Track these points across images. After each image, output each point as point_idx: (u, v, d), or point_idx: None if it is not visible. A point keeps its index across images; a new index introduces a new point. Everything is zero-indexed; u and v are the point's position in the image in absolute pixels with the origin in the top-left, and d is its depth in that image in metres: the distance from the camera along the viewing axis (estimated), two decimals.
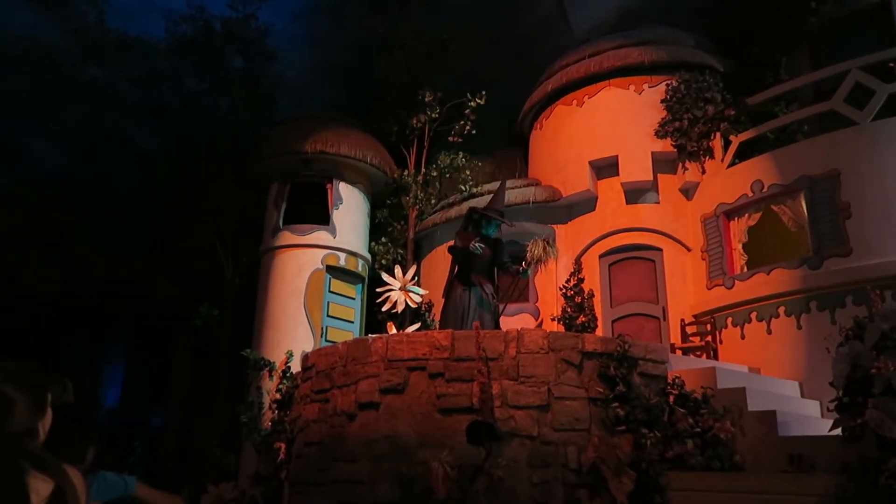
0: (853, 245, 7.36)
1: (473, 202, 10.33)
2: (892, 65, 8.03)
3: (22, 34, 11.88)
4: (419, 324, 9.00)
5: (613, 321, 9.77)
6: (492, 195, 7.86)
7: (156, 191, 12.62)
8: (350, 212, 11.49)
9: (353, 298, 11.48)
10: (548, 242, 6.93)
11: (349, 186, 11.54)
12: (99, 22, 12.44)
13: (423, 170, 11.97)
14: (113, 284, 12.62)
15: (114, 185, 13.34)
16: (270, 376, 10.08)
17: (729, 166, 9.18)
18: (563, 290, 9.99)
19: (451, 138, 11.78)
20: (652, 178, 9.86)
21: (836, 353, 4.37)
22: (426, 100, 11.77)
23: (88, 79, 12.70)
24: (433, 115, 11.87)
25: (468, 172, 11.60)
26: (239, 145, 11.75)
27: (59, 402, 1.93)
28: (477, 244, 6.67)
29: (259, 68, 12.57)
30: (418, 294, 7.93)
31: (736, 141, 9.23)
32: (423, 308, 10.14)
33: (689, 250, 9.53)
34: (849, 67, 8.11)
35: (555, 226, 10.57)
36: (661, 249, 9.74)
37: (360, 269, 11.50)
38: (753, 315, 8.19)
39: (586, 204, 10.45)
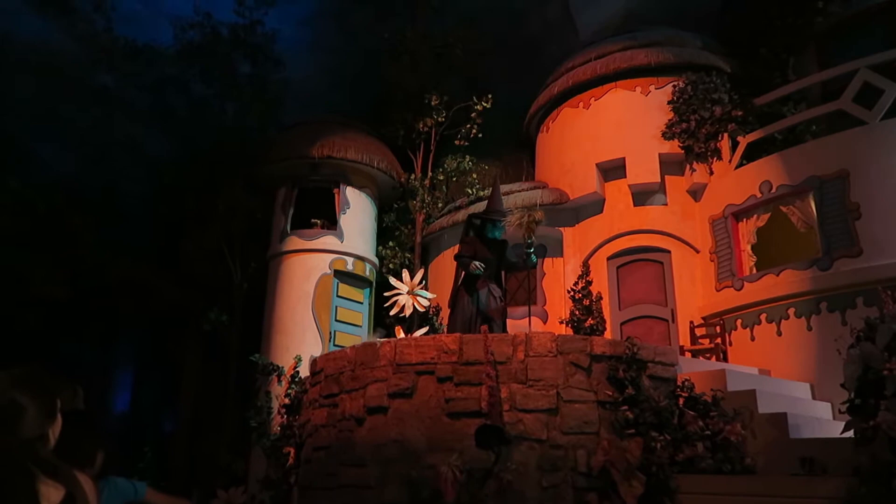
0: (863, 246, 7.32)
1: (480, 206, 10.32)
2: None
3: (30, 40, 11.95)
4: (427, 328, 9.00)
5: (622, 324, 9.74)
6: (486, 200, 7.86)
7: (164, 196, 12.68)
8: (357, 216, 11.52)
9: (361, 303, 11.51)
10: (528, 209, 6.91)
11: (356, 191, 11.57)
12: (107, 29, 12.52)
13: (429, 173, 11.98)
14: (121, 289, 12.67)
15: (122, 190, 13.40)
16: (279, 381, 10.11)
17: (737, 167, 9.14)
18: (571, 293, 9.97)
19: (457, 142, 11.79)
20: (659, 180, 9.83)
21: (848, 355, 4.33)
22: (432, 103, 11.79)
23: (97, 85, 12.79)
24: (439, 119, 11.89)
25: (475, 176, 11.61)
26: (246, 150, 11.79)
27: (69, 407, 1.94)
28: (478, 265, 6.71)
29: (266, 74, 12.63)
30: (426, 298, 7.93)
31: (744, 142, 9.19)
32: (431, 312, 10.14)
33: (697, 252, 9.49)
34: (857, 67, 8.07)
35: (562, 228, 10.55)
36: (669, 251, 9.70)
37: (367, 273, 11.52)
38: (763, 317, 8.14)
39: (594, 206, 10.43)
